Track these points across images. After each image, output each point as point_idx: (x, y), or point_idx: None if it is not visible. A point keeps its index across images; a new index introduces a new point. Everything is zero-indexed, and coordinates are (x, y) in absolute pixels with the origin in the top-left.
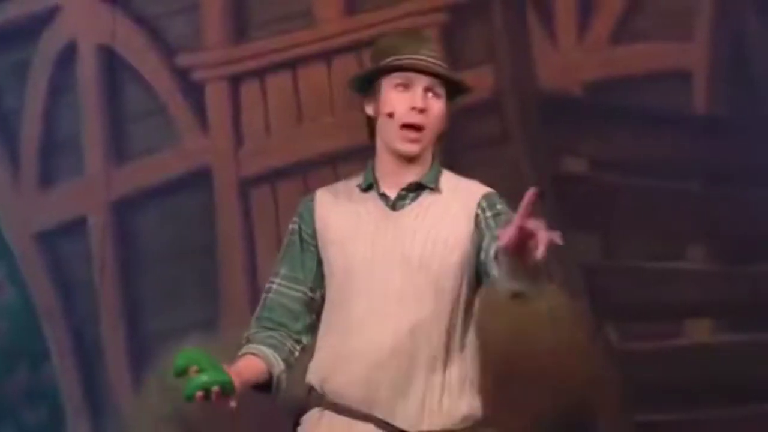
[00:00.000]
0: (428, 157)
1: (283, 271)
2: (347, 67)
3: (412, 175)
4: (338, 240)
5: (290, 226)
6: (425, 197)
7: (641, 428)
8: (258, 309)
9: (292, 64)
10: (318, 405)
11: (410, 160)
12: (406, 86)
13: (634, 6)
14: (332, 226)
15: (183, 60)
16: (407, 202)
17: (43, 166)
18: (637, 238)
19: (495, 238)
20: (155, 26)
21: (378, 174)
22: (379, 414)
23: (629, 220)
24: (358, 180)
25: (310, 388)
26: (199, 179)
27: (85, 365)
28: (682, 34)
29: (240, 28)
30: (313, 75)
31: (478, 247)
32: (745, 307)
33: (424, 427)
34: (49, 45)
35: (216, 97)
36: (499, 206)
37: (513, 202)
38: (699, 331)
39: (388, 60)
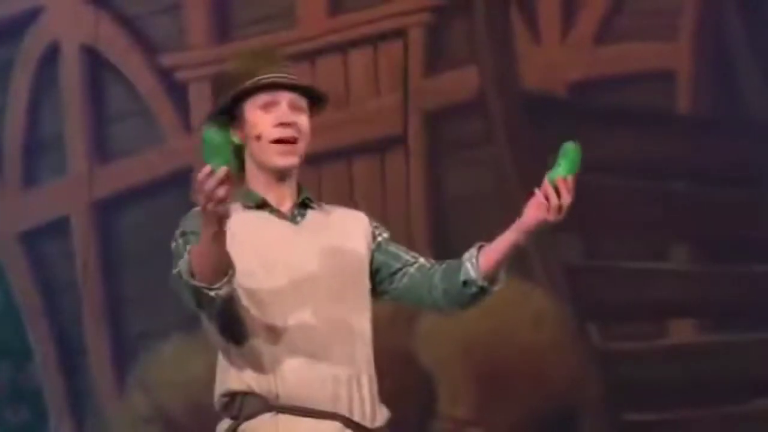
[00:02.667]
0: (296, 175)
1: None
2: (330, 67)
3: (289, 193)
4: (249, 241)
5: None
6: (313, 214)
7: (625, 428)
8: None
9: None
10: (267, 410)
11: (286, 177)
12: (270, 105)
13: (618, 6)
14: (240, 227)
15: (166, 60)
16: (299, 218)
17: (26, 166)
18: (619, 238)
19: (399, 258)
20: (138, 26)
21: (260, 194)
22: (343, 411)
23: (612, 221)
24: (236, 202)
25: (244, 394)
26: (182, 179)
27: (68, 365)
28: (665, 34)
29: (223, 28)
30: (296, 75)
31: (373, 261)
32: (728, 306)
33: (377, 423)
34: (32, 45)
35: (199, 96)
36: (380, 229)
37: (496, 202)
38: (682, 331)
39: (249, 83)
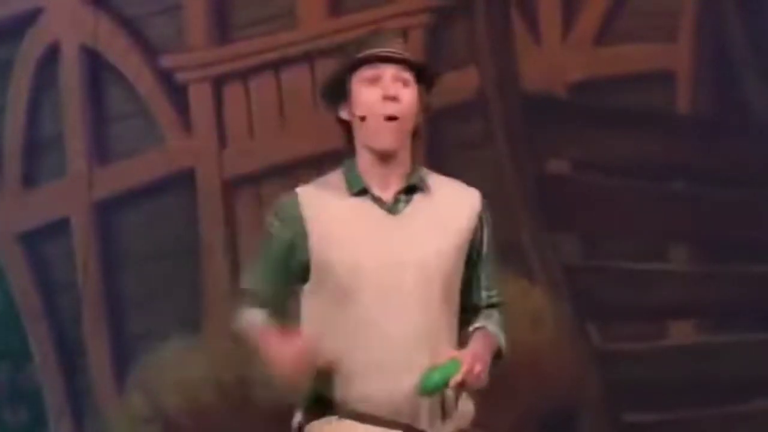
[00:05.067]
0: (407, 156)
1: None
2: (330, 68)
3: (396, 175)
4: (337, 240)
5: (274, 229)
6: (419, 199)
7: (624, 428)
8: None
9: (275, 66)
10: (332, 413)
11: (391, 159)
12: (374, 80)
13: (618, 7)
14: (327, 233)
15: (166, 61)
16: (401, 206)
17: (25, 167)
18: (619, 238)
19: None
20: (138, 27)
21: (364, 179)
22: (405, 419)
23: (612, 221)
24: (339, 182)
25: (317, 396)
26: (183, 180)
27: (68, 366)
28: (666, 35)
29: (223, 30)
30: (296, 76)
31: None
32: (728, 307)
33: (445, 429)
34: (32, 45)
35: (199, 98)
36: (490, 226)
37: (496, 203)
38: (682, 332)
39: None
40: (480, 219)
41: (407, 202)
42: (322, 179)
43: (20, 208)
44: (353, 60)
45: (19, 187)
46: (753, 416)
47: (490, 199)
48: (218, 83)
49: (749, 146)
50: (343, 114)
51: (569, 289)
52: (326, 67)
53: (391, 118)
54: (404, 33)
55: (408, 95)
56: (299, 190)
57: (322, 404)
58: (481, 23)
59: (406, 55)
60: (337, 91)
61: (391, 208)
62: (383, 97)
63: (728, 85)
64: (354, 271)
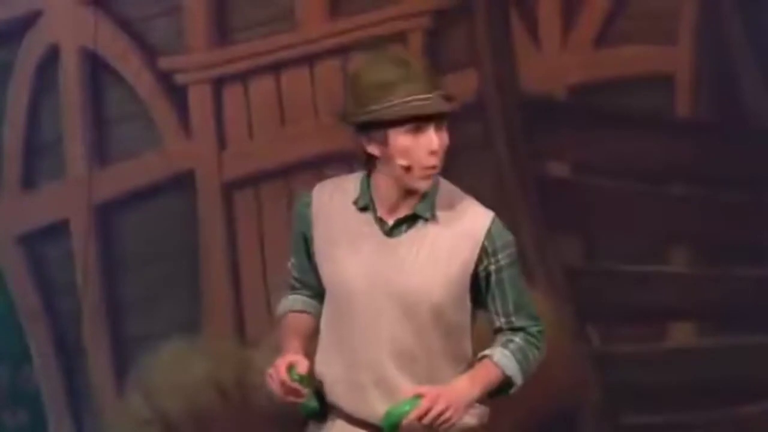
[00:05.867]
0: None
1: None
2: (330, 70)
3: (408, 203)
4: (332, 258)
5: (294, 223)
6: (421, 227)
7: (624, 431)
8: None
9: (275, 68)
10: (328, 413)
11: (413, 193)
12: (417, 129)
13: (618, 9)
14: (326, 247)
15: (165, 63)
16: (402, 229)
17: (25, 169)
18: (619, 241)
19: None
20: (137, 29)
21: (375, 195)
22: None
23: (612, 223)
24: (353, 190)
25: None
26: (182, 182)
27: (67, 367)
28: (665, 37)
29: (223, 31)
30: (296, 78)
31: (477, 284)
32: (728, 309)
33: None
34: (31, 48)
35: (199, 100)
36: (504, 252)
37: (496, 205)
38: (682, 334)
39: (389, 103)
40: (483, 248)
41: (409, 227)
42: (341, 179)
43: (20, 210)
44: (396, 114)
45: (18, 188)
46: (753, 419)
47: (489, 202)
48: (218, 85)
49: (749, 148)
50: (373, 150)
51: (569, 291)
52: (327, 69)
53: (431, 168)
54: (431, 69)
55: (444, 138)
56: (316, 188)
57: (323, 405)
58: (481, 26)
59: (449, 106)
60: (365, 123)
61: (391, 231)
62: (430, 152)
63: (728, 87)
64: (341, 286)
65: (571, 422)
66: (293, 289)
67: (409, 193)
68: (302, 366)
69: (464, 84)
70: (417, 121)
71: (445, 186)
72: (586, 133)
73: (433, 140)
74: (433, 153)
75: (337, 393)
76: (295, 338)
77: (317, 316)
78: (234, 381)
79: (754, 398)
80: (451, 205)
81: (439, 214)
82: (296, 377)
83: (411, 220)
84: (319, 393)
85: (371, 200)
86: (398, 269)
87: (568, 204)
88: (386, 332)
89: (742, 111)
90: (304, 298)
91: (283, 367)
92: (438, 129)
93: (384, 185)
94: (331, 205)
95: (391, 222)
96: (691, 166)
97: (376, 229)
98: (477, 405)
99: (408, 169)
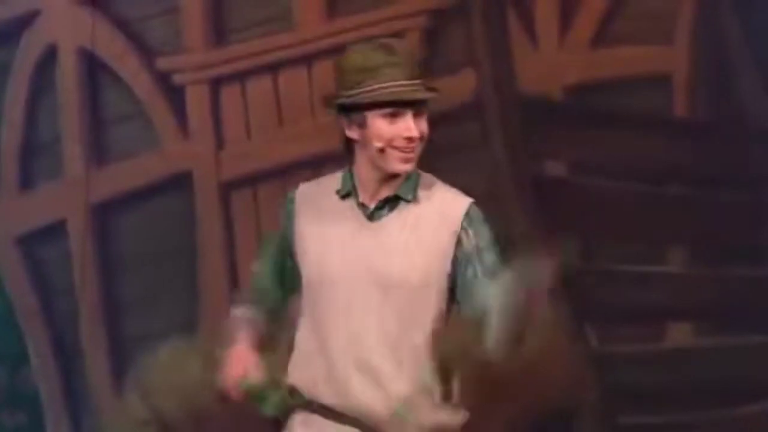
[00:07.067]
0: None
1: (261, 267)
2: (328, 70)
3: (390, 185)
4: (312, 252)
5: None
6: (402, 208)
7: (621, 431)
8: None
9: (272, 68)
10: (305, 408)
11: (394, 177)
12: (394, 115)
13: (615, 9)
14: (308, 237)
15: (163, 63)
16: (384, 212)
17: (22, 170)
18: (617, 241)
19: (478, 275)
20: (135, 29)
21: (357, 182)
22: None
23: (609, 224)
24: (337, 184)
25: (292, 389)
26: (180, 182)
27: (65, 368)
28: (662, 37)
29: (220, 31)
30: (293, 78)
31: (454, 267)
32: (726, 310)
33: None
34: (29, 48)
35: (196, 100)
36: (481, 234)
37: (492, 205)
38: (679, 335)
39: (369, 87)
40: (461, 232)
41: (391, 209)
42: (324, 178)
43: (17, 210)
44: (376, 101)
45: (16, 189)
46: (751, 420)
47: (486, 201)
48: (215, 85)
49: (746, 148)
50: (352, 134)
51: (566, 291)
52: (324, 69)
53: (408, 151)
54: (410, 49)
55: (424, 127)
56: (300, 186)
57: (300, 398)
58: (478, 26)
59: (428, 94)
60: (345, 106)
61: (371, 215)
62: (406, 137)
63: (725, 87)
64: (323, 273)
65: (568, 422)
66: (246, 302)
67: (389, 177)
68: (253, 374)
69: (462, 84)
70: (394, 107)
71: (427, 175)
72: (584, 133)
73: (410, 127)
74: (408, 139)
75: (318, 389)
76: (247, 330)
77: (264, 328)
78: None
79: (753, 398)
80: (431, 190)
81: (421, 195)
82: (245, 386)
83: (393, 201)
84: (290, 390)
85: (353, 188)
86: (379, 252)
87: (565, 204)
88: (368, 316)
89: (740, 111)
90: (256, 310)
91: (235, 379)
92: (417, 116)
93: (365, 171)
94: (313, 199)
95: (372, 206)
96: (689, 166)
97: (358, 213)
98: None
99: (382, 150)
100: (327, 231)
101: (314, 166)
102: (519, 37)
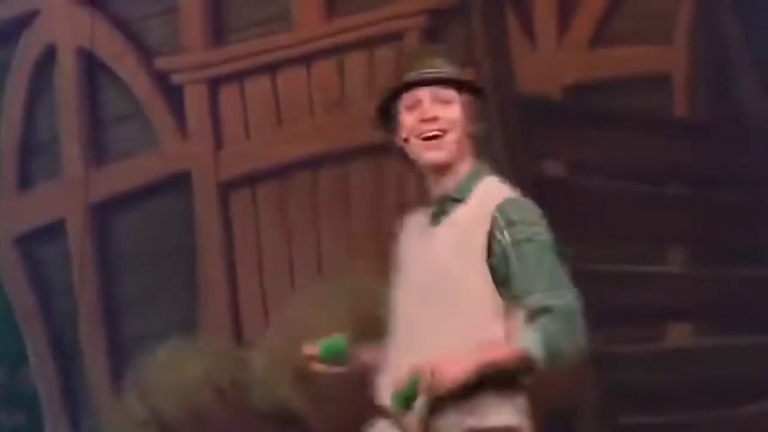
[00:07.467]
0: (461, 166)
1: None
2: (326, 70)
3: (442, 185)
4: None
5: None
6: (456, 210)
7: (622, 431)
8: None
9: (271, 68)
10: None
11: (447, 170)
12: (414, 105)
13: (614, 9)
14: (404, 255)
15: (162, 63)
16: (441, 218)
17: (21, 169)
18: (616, 241)
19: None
20: (134, 29)
21: (431, 192)
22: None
23: (609, 223)
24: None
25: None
26: (179, 182)
27: (64, 368)
28: (661, 37)
29: (219, 32)
30: (292, 78)
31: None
32: (726, 310)
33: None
34: (28, 48)
35: (195, 100)
36: (514, 227)
37: None
38: (680, 334)
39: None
40: (495, 230)
41: (447, 214)
42: None
43: (16, 210)
44: (391, 89)
45: (15, 189)
46: (750, 419)
47: None
48: (214, 85)
49: (746, 148)
50: (398, 140)
51: None
52: (323, 69)
53: (429, 138)
54: (447, 51)
55: (449, 113)
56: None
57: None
58: (478, 26)
59: (442, 74)
60: (391, 119)
61: (434, 220)
62: (421, 120)
63: (725, 87)
64: (399, 282)
65: (569, 422)
66: None
67: (442, 171)
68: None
69: None
70: (409, 93)
71: (491, 178)
72: (583, 133)
73: (425, 110)
74: (425, 121)
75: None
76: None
77: None
78: (230, 382)
79: (753, 398)
80: (484, 187)
81: (474, 193)
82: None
83: (447, 202)
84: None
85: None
86: (429, 258)
87: (565, 204)
88: (420, 330)
89: (739, 111)
90: None
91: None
92: (442, 104)
93: (429, 177)
94: (413, 221)
95: (432, 211)
96: (689, 166)
97: (424, 222)
98: (506, 403)
99: (408, 141)
100: (407, 246)
101: (313, 166)
102: (518, 37)
